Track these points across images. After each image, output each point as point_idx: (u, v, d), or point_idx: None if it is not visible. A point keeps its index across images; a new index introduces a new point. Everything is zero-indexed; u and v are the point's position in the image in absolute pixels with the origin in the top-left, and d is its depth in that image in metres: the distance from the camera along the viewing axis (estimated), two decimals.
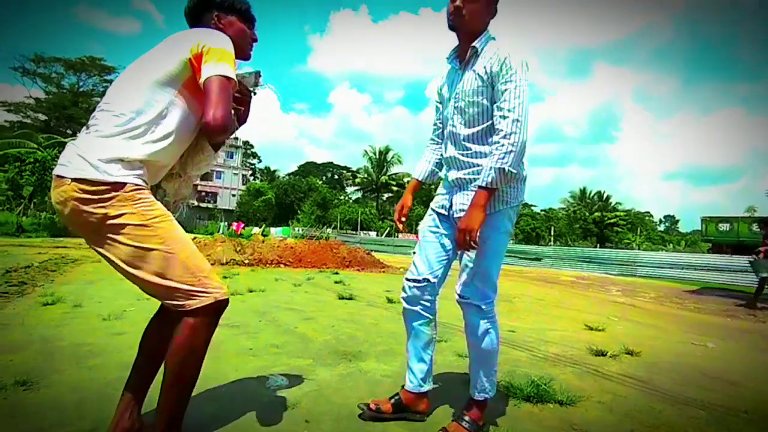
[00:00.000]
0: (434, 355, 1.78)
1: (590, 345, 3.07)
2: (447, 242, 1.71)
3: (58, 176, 1.22)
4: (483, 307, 1.61)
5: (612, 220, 41.45)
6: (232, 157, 50.76)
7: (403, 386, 1.78)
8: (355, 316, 3.80)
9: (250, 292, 4.78)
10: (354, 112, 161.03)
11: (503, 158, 1.46)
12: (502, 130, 1.48)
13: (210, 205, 45.96)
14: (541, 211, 49.74)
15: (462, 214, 1.58)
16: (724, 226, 12.41)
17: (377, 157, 47.09)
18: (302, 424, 1.63)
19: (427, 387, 1.75)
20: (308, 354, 2.56)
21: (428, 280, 1.69)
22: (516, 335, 3.41)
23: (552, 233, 40.63)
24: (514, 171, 1.48)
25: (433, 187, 2.13)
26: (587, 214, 42.94)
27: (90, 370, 2.04)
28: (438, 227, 1.74)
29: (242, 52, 1.51)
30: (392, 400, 1.73)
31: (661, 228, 69.24)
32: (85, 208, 1.20)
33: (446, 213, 1.72)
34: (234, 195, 48.55)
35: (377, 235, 34.57)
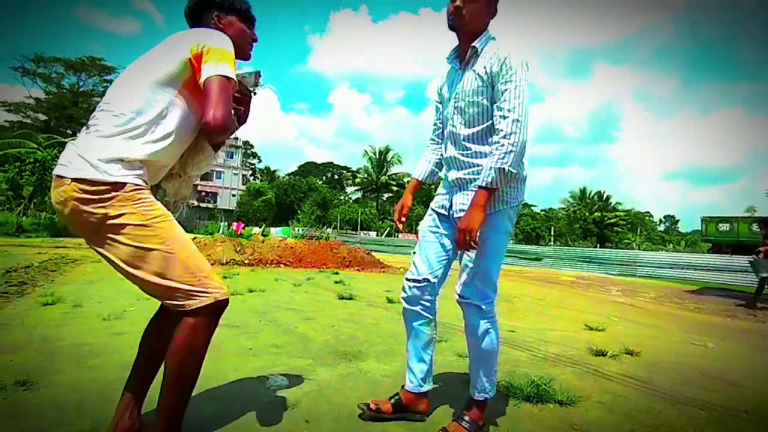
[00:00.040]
0: (434, 355, 1.78)
1: (590, 345, 3.07)
2: (447, 242, 1.71)
3: (58, 176, 1.22)
4: (483, 307, 1.61)
5: (612, 220, 41.43)
6: (232, 157, 50.75)
7: (403, 386, 1.78)
8: (355, 316, 3.80)
9: (250, 292, 4.78)
10: (354, 112, 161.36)
11: (503, 158, 1.46)
12: (502, 130, 1.48)
13: (210, 205, 45.95)
14: (541, 211, 49.75)
15: (462, 214, 1.58)
16: (724, 226, 12.41)
17: (377, 157, 47.08)
18: (302, 424, 1.63)
19: (427, 387, 1.75)
20: (308, 354, 2.56)
21: (428, 280, 1.69)
22: (516, 335, 3.41)
23: (552, 233, 40.61)
24: (514, 171, 1.48)
25: (433, 187, 2.13)
26: (587, 214, 42.92)
27: (90, 370, 2.04)
28: (438, 227, 1.74)
29: (242, 52, 1.51)
30: (392, 400, 1.73)
31: (661, 228, 69.25)
32: (85, 208, 1.20)
33: (446, 213, 1.72)
34: (234, 195, 48.54)
35: (377, 235, 34.56)
